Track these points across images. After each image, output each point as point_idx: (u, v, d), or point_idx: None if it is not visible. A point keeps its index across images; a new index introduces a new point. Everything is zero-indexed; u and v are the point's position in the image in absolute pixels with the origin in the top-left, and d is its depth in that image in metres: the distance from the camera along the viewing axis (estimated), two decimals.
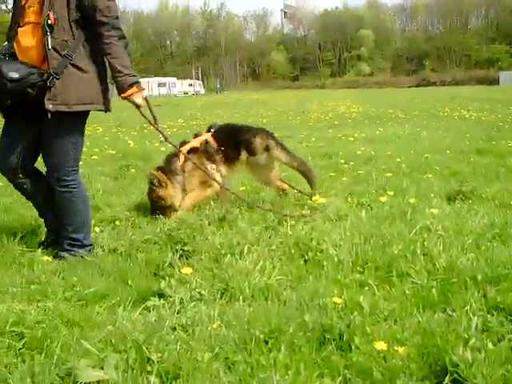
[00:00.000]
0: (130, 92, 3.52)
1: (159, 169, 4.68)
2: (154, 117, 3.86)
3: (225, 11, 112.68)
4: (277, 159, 5.04)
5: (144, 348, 2.24)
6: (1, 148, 3.61)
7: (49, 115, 3.32)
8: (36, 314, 2.63)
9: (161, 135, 4.14)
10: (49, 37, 3.28)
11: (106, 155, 8.45)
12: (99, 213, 4.60)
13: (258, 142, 4.93)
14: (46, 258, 3.55)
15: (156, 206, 4.59)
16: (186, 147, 4.71)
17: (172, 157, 4.77)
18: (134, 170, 7.01)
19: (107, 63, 3.54)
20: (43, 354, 2.30)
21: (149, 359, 2.19)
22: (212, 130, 4.92)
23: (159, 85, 69.59)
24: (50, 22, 3.27)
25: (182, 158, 4.66)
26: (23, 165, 3.62)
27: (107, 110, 3.63)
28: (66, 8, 3.33)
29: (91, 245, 3.74)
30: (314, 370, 2.16)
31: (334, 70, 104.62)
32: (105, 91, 3.58)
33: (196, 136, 4.93)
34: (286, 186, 5.19)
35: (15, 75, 3.19)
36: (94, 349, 2.27)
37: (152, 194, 4.60)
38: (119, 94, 3.59)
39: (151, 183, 4.57)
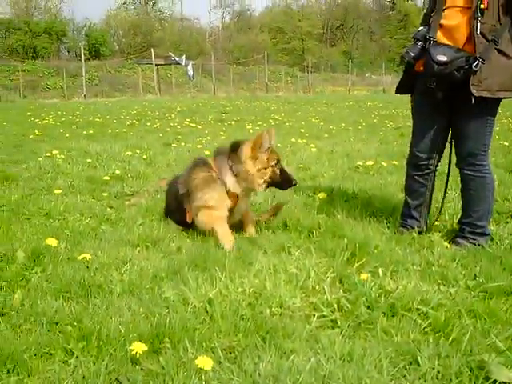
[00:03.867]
0: None
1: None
2: None
3: None
4: None
5: None
6: (423, 135, 3.67)
7: (472, 100, 3.25)
8: (439, 296, 2.65)
9: None
10: (478, 22, 3.21)
11: (497, 146, 8.04)
12: (495, 204, 4.37)
13: None
14: (444, 242, 3.55)
15: None
16: None
17: None
18: None
19: None
20: (449, 339, 2.28)
21: None
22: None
23: None
24: (482, 6, 3.19)
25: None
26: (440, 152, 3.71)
27: None
28: None
29: (490, 234, 3.62)
30: None
31: None
32: None
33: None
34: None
35: (443, 58, 3.20)
36: (503, 346, 2.16)
37: None
38: None
39: None
